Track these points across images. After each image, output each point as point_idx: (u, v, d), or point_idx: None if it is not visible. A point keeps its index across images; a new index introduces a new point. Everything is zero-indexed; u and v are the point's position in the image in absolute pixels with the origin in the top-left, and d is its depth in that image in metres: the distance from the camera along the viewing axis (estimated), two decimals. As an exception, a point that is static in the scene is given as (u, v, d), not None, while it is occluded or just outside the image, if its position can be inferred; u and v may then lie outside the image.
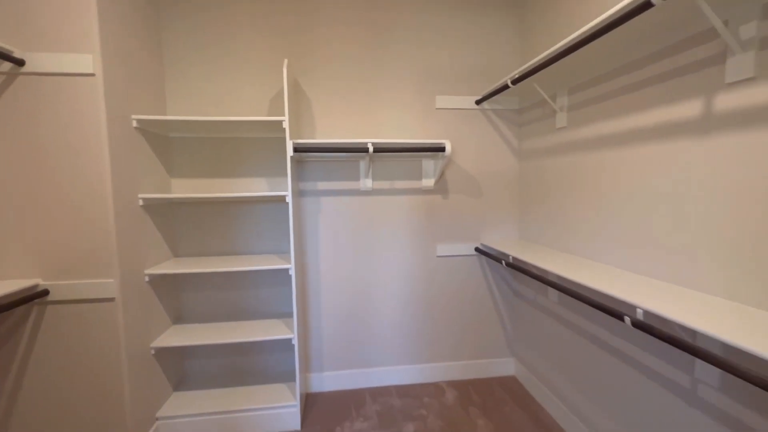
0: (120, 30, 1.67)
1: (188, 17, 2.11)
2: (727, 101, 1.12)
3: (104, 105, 1.53)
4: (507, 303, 2.50)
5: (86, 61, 1.49)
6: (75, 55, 1.48)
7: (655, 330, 1.12)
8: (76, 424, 1.63)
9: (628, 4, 1.10)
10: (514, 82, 1.87)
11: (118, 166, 1.62)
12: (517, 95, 2.25)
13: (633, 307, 1.18)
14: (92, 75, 1.51)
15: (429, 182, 2.36)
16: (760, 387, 0.84)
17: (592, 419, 1.76)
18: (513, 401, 2.22)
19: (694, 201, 1.23)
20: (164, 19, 2.09)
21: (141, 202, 1.81)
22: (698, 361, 1.21)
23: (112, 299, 1.60)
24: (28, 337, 1.57)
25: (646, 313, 1.15)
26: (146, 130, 1.89)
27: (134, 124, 1.77)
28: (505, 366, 2.53)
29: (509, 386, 2.39)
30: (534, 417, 2.07)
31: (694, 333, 1.18)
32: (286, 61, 1.86)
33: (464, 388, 2.38)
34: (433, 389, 2.37)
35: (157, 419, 1.89)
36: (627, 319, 1.20)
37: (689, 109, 1.23)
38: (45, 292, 1.54)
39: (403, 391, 2.36)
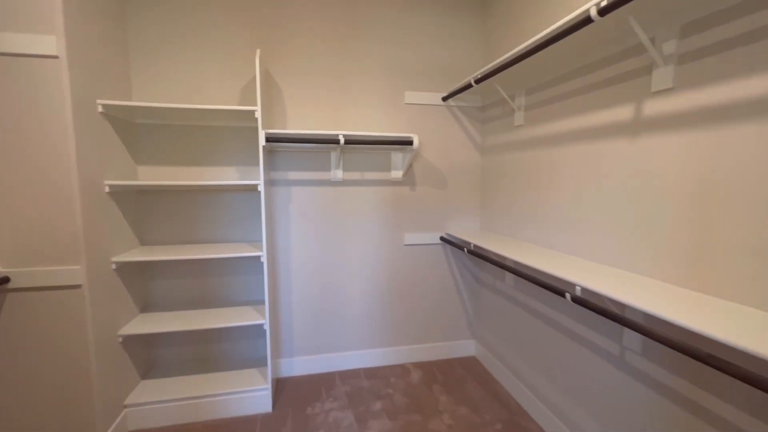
0: (84, 13, 1.62)
1: (156, 4, 2.06)
2: (652, 107, 1.30)
3: (69, 88, 1.50)
4: (469, 288, 2.68)
5: (50, 42, 1.45)
6: (38, 36, 1.44)
7: (590, 303, 1.30)
8: (42, 414, 1.60)
9: (573, 19, 1.25)
10: (477, 81, 2.00)
11: (83, 151, 1.59)
12: (481, 93, 2.40)
13: (573, 285, 1.35)
14: (56, 57, 1.47)
15: (397, 174, 2.47)
16: (671, 348, 1.01)
17: (541, 391, 1.95)
18: (473, 379, 2.40)
19: (627, 193, 1.41)
20: (130, 5, 2.04)
21: (107, 189, 1.78)
22: (626, 331, 1.40)
23: (78, 286, 1.58)
24: (-13, 326, 1.52)
25: (584, 289, 1.33)
26: (112, 115, 1.86)
27: (99, 109, 1.74)
28: (466, 347, 2.71)
29: (470, 366, 2.57)
30: (492, 392, 2.25)
31: (623, 306, 1.37)
32: (258, 51, 1.88)
33: (428, 368, 2.54)
34: (400, 370, 2.51)
35: (125, 406, 1.89)
36: (567, 295, 1.37)
37: (624, 113, 1.41)
38: (5, 280, 1.50)
39: (371, 373, 2.48)
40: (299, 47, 2.27)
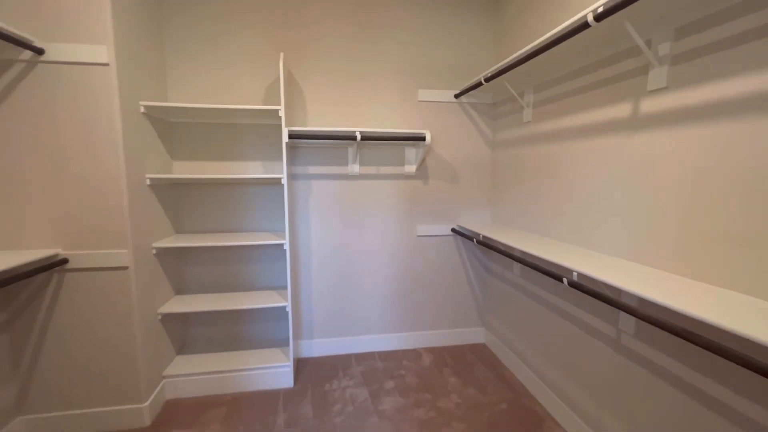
0: (129, 22, 1.81)
1: (188, 10, 2.24)
2: (648, 105, 1.38)
3: (117, 92, 1.70)
4: (479, 278, 2.79)
5: (101, 51, 1.64)
6: (91, 46, 1.63)
7: (584, 287, 1.40)
8: (93, 382, 1.83)
9: (571, 24, 1.34)
10: (487, 80, 2.10)
11: (129, 148, 1.79)
12: (492, 91, 2.49)
13: (570, 271, 1.45)
14: (106, 65, 1.67)
15: (411, 168, 2.60)
16: (655, 326, 1.12)
17: (545, 374, 2.06)
18: (482, 363, 2.53)
19: (626, 186, 1.50)
20: (166, 11, 2.22)
21: (148, 182, 1.98)
22: (621, 315, 1.50)
23: (125, 268, 1.79)
24: (49, 302, 1.75)
25: (582, 276, 1.43)
26: (151, 115, 2.05)
27: (142, 109, 1.93)
28: (476, 334, 2.83)
29: (479, 352, 2.70)
30: (499, 375, 2.37)
31: (618, 292, 1.47)
32: (282, 54, 2.04)
33: (439, 353, 2.67)
34: (412, 354, 2.66)
35: (164, 377, 2.11)
36: (565, 280, 1.48)
37: (622, 110, 1.50)
38: (64, 261, 1.72)
39: (385, 355, 2.63)
40: (319, 49, 2.41)
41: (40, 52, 1.60)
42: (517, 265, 2.33)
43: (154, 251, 2.03)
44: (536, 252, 1.66)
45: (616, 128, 1.54)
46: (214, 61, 2.31)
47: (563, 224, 1.89)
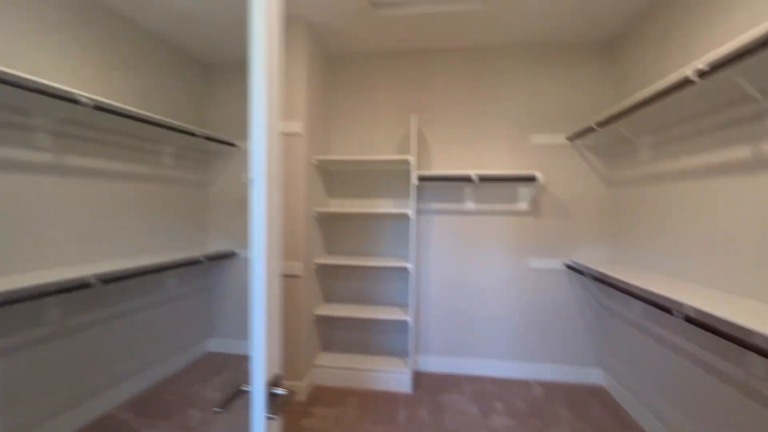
0: (313, 103, 2.60)
1: (345, 87, 3.02)
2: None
3: (305, 152, 2.45)
4: (596, 316, 2.77)
5: (299, 126, 2.42)
6: (294, 122, 2.43)
7: (707, 325, 1.45)
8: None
9: (677, 82, 1.51)
10: (599, 125, 2.27)
11: (307, 189, 2.51)
12: (606, 132, 2.60)
13: (681, 305, 1.51)
14: (300, 134, 2.43)
15: (523, 205, 2.83)
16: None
17: (669, 418, 1.98)
18: (597, 403, 2.48)
19: (744, 226, 1.52)
20: (332, 88, 3.04)
21: (314, 214, 2.69)
22: (752, 356, 1.47)
23: (298, 276, 2.46)
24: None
25: (699, 312, 1.48)
26: (318, 165, 2.80)
27: (314, 162, 2.68)
28: (592, 375, 2.76)
29: (595, 392, 2.63)
30: (616, 416, 2.31)
31: (747, 333, 1.45)
32: (413, 116, 2.59)
33: (550, 387, 2.71)
34: (522, 383, 2.75)
35: (314, 366, 2.70)
36: (677, 313, 1.54)
37: (741, 152, 1.55)
38: (263, 268, 2.47)
39: (494, 381, 2.79)
40: (443, 109, 2.92)
41: (263, 128, 2.45)
42: (637, 304, 2.30)
43: (314, 266, 2.69)
44: (653, 288, 1.73)
45: (736, 169, 1.58)
46: (361, 122, 3.01)
47: (682, 262, 1.89)
